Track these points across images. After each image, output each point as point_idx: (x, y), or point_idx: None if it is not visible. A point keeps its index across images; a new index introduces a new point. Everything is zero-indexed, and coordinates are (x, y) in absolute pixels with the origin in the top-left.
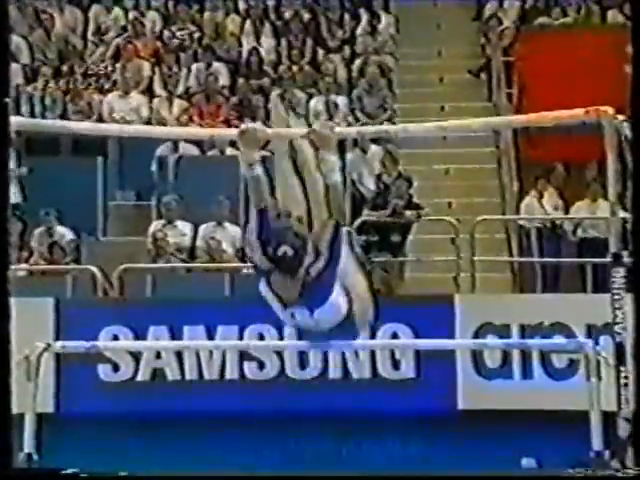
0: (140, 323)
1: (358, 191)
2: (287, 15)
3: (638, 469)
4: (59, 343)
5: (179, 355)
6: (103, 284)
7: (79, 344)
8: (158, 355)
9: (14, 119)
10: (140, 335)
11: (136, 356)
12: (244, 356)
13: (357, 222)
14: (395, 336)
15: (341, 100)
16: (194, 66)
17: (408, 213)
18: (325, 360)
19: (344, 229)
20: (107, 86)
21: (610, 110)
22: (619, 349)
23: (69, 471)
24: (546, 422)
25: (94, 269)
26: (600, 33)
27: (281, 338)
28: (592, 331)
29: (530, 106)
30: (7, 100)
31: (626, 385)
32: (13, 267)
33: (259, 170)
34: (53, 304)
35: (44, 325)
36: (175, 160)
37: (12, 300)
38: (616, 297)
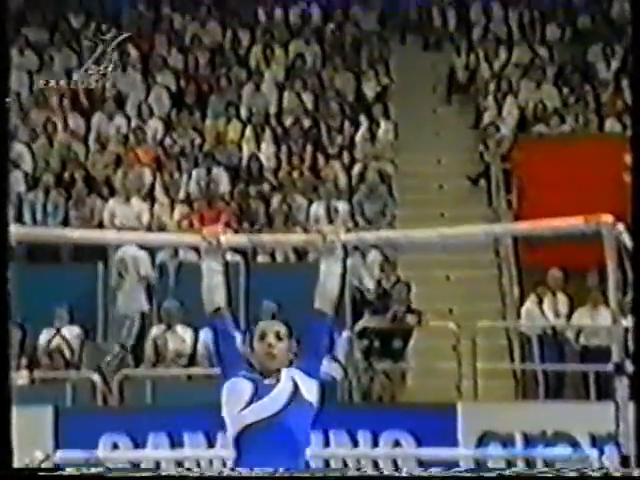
0: (139, 430)
1: (360, 295)
2: (288, 122)
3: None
4: (58, 453)
5: (179, 464)
6: (103, 390)
7: (79, 454)
8: (158, 465)
9: (14, 228)
10: (140, 443)
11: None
12: None
13: (358, 327)
14: (397, 444)
15: (341, 205)
16: (194, 172)
17: (409, 318)
18: (327, 464)
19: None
20: (108, 193)
21: (610, 218)
22: (624, 460)
23: (69, 471)
24: None
25: (94, 376)
26: (598, 142)
27: None
28: (596, 440)
29: (529, 212)
30: (8, 100)
31: None
32: (14, 374)
33: None
34: (52, 413)
35: (43, 434)
36: (175, 266)
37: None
38: (619, 406)
